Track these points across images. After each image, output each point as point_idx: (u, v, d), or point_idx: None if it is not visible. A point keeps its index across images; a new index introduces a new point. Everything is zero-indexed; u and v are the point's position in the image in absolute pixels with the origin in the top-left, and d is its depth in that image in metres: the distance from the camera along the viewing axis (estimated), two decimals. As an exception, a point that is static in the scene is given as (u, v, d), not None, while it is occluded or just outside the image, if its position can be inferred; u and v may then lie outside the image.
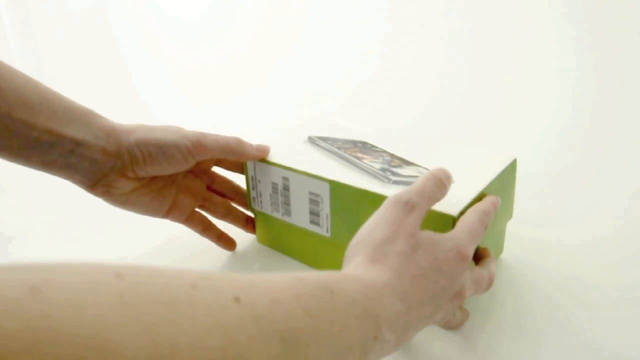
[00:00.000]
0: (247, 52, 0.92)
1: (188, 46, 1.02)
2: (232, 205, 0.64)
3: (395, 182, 0.54)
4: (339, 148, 0.60)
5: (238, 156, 0.56)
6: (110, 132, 0.52)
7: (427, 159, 0.57)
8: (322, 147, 0.60)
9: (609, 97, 0.83)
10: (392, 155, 0.58)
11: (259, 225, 0.63)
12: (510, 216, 0.59)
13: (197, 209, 0.62)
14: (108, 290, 0.27)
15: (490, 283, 0.47)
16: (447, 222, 0.48)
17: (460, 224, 0.46)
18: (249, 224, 0.64)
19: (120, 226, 0.67)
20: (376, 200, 0.52)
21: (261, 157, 0.57)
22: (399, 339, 0.39)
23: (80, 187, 0.54)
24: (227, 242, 0.63)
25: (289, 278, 0.36)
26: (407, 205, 0.43)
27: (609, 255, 0.59)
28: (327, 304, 0.35)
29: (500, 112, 0.82)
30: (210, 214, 0.63)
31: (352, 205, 0.54)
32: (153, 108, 0.85)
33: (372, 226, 0.43)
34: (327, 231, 0.56)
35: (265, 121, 0.87)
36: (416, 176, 0.54)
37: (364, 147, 0.60)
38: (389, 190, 0.52)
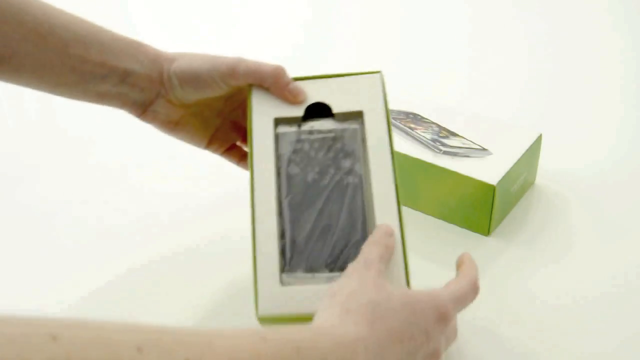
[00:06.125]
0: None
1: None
2: None
3: (445, 153, 0.65)
4: (394, 119, 0.71)
5: (268, 87, 0.54)
6: (155, 60, 0.55)
7: (468, 131, 0.69)
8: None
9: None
10: (440, 127, 0.70)
11: None
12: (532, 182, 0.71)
13: (238, 144, 0.63)
14: (41, 359, 0.25)
15: (454, 337, 0.46)
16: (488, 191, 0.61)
17: (451, 284, 0.46)
18: None
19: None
20: (430, 168, 0.64)
21: (289, 101, 0.54)
22: None
23: (133, 114, 0.57)
24: None
25: (252, 337, 0.35)
26: (366, 265, 0.44)
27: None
28: None
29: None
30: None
31: (408, 172, 0.66)
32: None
33: (341, 283, 0.43)
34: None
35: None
36: (461, 147, 0.66)
37: (415, 118, 0.72)
38: (441, 160, 0.64)
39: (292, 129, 0.54)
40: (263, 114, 0.54)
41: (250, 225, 0.50)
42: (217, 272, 0.63)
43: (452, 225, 0.67)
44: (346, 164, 0.52)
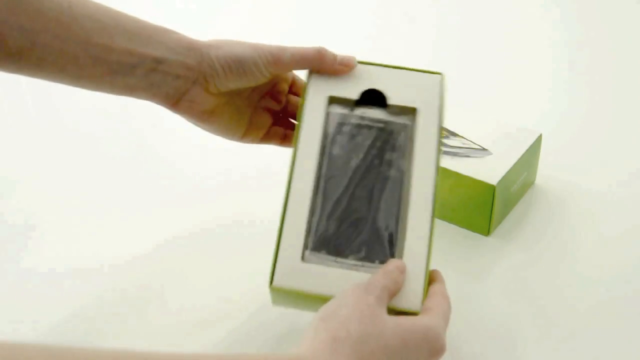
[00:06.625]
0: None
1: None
2: None
3: (445, 153, 0.65)
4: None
5: (318, 69, 0.54)
6: (190, 46, 0.53)
7: (468, 131, 0.69)
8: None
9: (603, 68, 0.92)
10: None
11: None
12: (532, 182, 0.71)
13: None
14: None
15: None
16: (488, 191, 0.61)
17: (439, 307, 0.44)
18: None
19: (125, 221, 0.69)
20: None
21: (344, 72, 0.54)
22: None
23: (165, 106, 0.55)
24: None
25: None
26: (367, 289, 0.43)
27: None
28: None
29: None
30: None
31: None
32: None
33: (335, 305, 0.41)
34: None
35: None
36: (461, 147, 0.66)
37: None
38: (441, 160, 0.64)
39: (344, 110, 0.53)
40: (317, 92, 0.54)
41: (284, 197, 0.49)
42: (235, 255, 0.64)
43: (452, 225, 0.67)
44: (391, 157, 0.51)
